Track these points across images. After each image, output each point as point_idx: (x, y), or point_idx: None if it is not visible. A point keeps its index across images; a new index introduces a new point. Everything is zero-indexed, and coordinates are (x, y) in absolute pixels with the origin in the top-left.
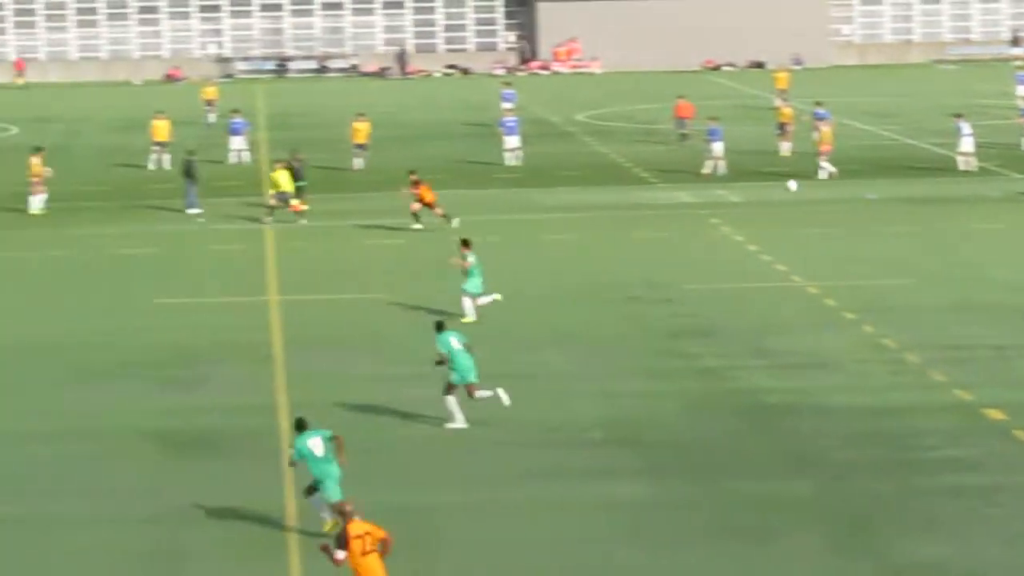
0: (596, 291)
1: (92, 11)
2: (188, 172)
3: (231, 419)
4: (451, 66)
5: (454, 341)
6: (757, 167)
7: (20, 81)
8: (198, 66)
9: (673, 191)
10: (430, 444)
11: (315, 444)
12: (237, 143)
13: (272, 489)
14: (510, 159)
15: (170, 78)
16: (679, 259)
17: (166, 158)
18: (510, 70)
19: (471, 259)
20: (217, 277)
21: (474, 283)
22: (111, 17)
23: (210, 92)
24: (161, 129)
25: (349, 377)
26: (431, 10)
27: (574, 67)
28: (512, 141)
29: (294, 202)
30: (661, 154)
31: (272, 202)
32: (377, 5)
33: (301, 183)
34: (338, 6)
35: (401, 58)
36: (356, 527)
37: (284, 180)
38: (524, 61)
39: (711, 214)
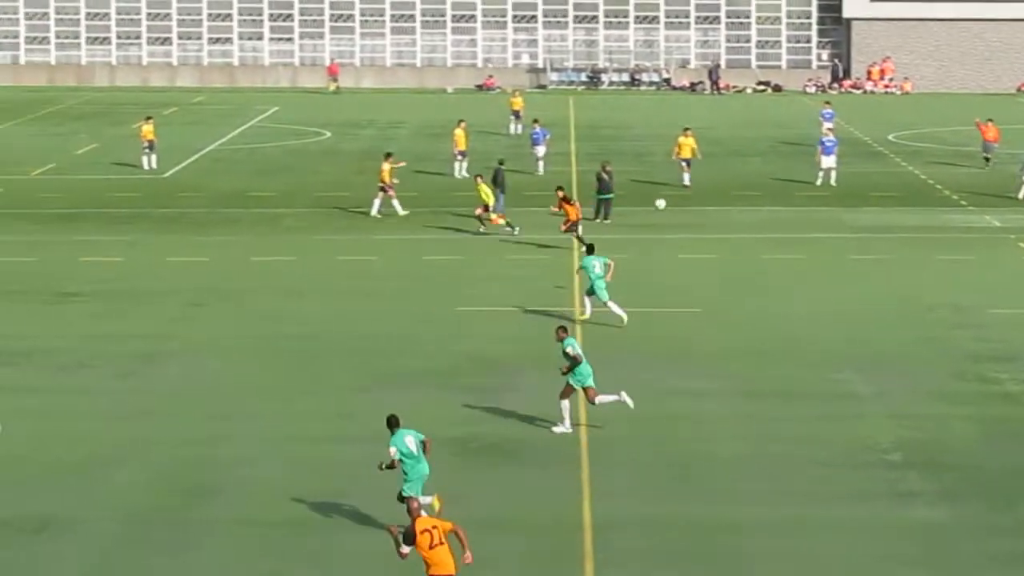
0: (900, 312)
1: (409, 18)
2: (496, 181)
3: (530, 428)
4: (763, 83)
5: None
6: None
7: (332, 87)
8: (511, 76)
9: (982, 214)
10: (735, 460)
11: (410, 442)
12: (538, 152)
13: (570, 498)
14: (823, 178)
15: (482, 87)
16: (986, 283)
17: (465, 166)
18: (822, 88)
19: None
20: (521, 286)
21: (598, 286)
22: (426, 25)
23: (516, 102)
24: (460, 138)
25: (653, 390)
26: (745, 26)
27: (886, 87)
28: (828, 160)
29: (493, 215)
30: (970, 176)
31: (478, 212)
32: (691, 20)
33: (608, 195)
34: (652, 20)
35: (713, 73)
36: (422, 523)
37: (486, 193)
38: (836, 79)
39: (1020, 239)
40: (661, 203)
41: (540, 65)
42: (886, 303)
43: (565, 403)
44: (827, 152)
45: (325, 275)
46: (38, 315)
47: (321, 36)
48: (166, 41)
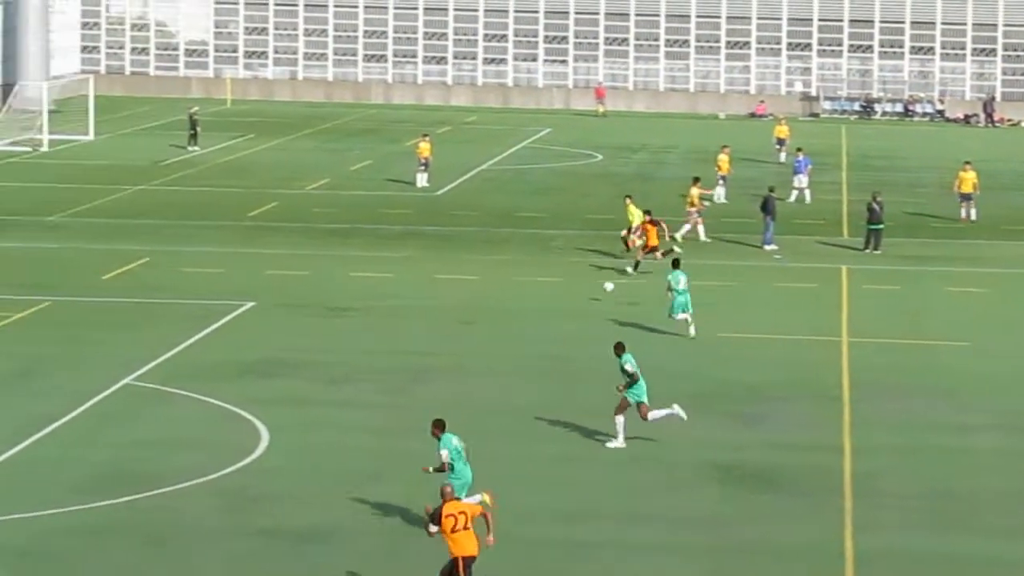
0: None
1: (683, 43)
2: (766, 208)
3: (794, 456)
4: None
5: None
6: None
7: (600, 109)
8: (783, 103)
9: None
10: (999, 495)
11: (457, 443)
12: (800, 181)
13: (831, 529)
14: None
15: (754, 115)
16: None
17: (720, 192)
18: None
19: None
20: (788, 314)
21: (680, 303)
22: (700, 50)
23: (782, 131)
24: (724, 163)
25: (919, 422)
26: (1022, 59)
27: None
28: None
29: (633, 236)
30: None
31: (630, 238)
32: (967, 51)
33: (879, 225)
34: (928, 51)
35: (988, 106)
36: (450, 507)
37: (636, 215)
38: None
39: None
40: (609, 286)
41: (813, 93)
42: None
43: (620, 418)
44: None
45: (590, 297)
46: (310, 328)
47: (595, 59)
48: (441, 60)
